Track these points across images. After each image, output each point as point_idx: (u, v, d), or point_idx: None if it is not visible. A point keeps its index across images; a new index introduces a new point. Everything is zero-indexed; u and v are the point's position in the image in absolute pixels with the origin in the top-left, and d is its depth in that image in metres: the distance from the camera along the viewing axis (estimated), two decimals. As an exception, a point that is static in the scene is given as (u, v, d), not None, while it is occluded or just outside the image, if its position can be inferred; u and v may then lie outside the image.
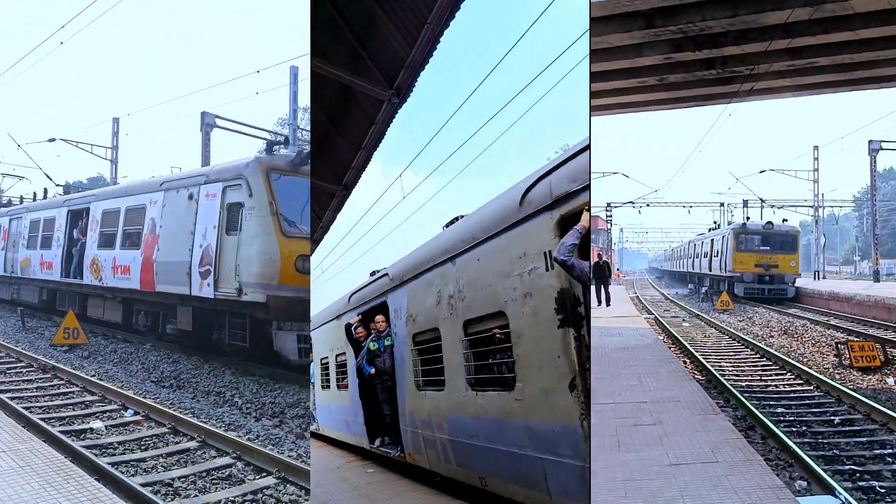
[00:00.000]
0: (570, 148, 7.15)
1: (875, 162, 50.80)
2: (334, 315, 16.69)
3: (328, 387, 17.34)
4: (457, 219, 9.86)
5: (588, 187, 6.23)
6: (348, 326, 14.01)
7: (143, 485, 10.11)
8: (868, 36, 21.04)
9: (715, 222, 76.34)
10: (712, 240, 58.87)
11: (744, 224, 52.60)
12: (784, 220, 53.86)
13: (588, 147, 6.35)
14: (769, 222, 51.81)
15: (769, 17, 18.81)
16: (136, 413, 14.97)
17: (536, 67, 9.74)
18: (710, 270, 58.09)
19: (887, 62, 24.05)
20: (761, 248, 50.32)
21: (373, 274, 14.28)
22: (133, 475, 10.82)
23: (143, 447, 12.78)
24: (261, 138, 43.27)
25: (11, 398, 15.45)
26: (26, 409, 14.54)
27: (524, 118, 12.07)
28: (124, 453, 12.29)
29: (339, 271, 18.05)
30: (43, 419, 13.66)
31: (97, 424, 13.92)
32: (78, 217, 31.29)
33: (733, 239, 50.60)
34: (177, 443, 13.08)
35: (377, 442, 13.98)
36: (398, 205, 18.77)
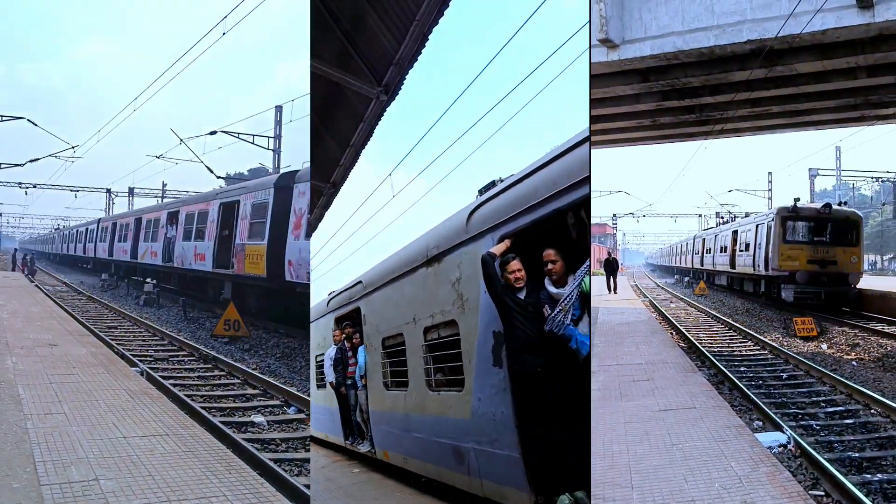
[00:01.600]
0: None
1: (813, 184, 50.26)
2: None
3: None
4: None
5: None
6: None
7: (308, 486, 7.93)
8: (809, 91, 21.12)
9: (720, 215, 54.30)
10: (735, 231, 37.25)
11: (794, 206, 29.40)
12: (842, 203, 31.76)
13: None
14: (826, 204, 29.48)
15: (735, 75, 18.86)
16: (299, 411, 11.65)
17: (532, 63, 8.67)
18: (734, 268, 37.09)
19: (823, 110, 24.18)
20: (816, 238, 29.16)
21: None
22: (297, 475, 8.54)
23: (307, 447, 10.02)
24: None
25: (174, 385, 12.75)
26: (188, 396, 11.89)
27: (519, 115, 10.38)
28: (287, 451, 9.63)
29: (329, 268, 15.88)
30: (204, 408, 11.04)
31: (259, 419, 11.02)
32: None
33: (779, 226, 28.95)
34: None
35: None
36: (388, 203, 15.54)
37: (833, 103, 22.80)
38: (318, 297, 13.67)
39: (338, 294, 12.01)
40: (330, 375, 11.46)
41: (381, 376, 9.35)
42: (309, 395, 12.53)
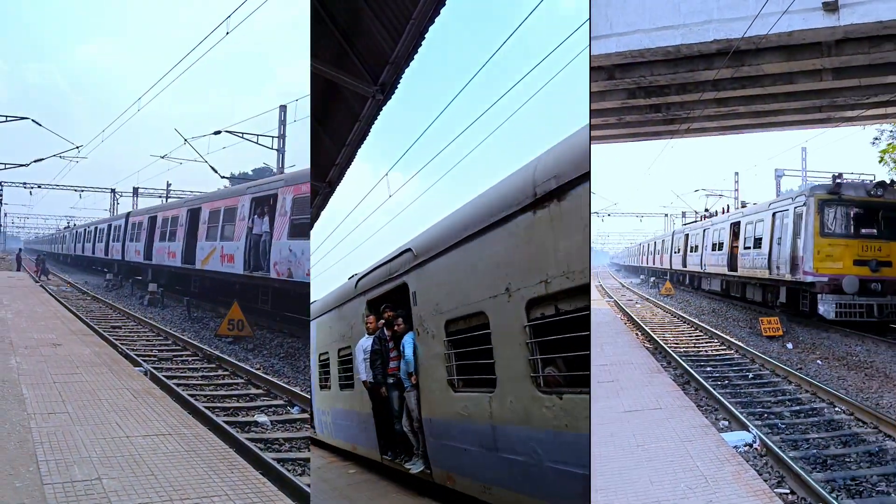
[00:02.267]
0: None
1: (780, 184, 50.68)
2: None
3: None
4: None
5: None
6: None
7: (310, 486, 7.90)
8: (775, 91, 21.26)
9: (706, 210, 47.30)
10: (736, 223, 29.79)
11: (836, 184, 21.80)
12: (893, 182, 22.68)
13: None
14: (880, 183, 21.88)
15: (701, 74, 18.91)
16: (303, 411, 11.62)
17: (530, 62, 8.27)
18: (735, 270, 29.31)
19: (790, 111, 24.34)
20: (864, 230, 21.43)
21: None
22: (300, 474, 8.48)
23: (310, 448, 10.03)
24: None
25: (177, 385, 12.70)
26: (191, 396, 11.86)
27: (516, 114, 9.97)
28: (290, 451, 9.55)
29: (325, 269, 15.17)
30: (207, 408, 10.97)
31: (262, 418, 10.93)
32: None
33: (815, 213, 21.27)
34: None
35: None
36: (384, 203, 14.13)
37: (799, 104, 22.99)
38: (315, 296, 13.17)
39: (370, 272, 9.78)
40: (365, 373, 9.19)
41: (443, 373, 7.08)
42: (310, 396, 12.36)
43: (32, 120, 37.02)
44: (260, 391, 13.02)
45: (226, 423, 10.07)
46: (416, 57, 8.85)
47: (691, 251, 38.88)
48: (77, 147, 39.69)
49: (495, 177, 6.24)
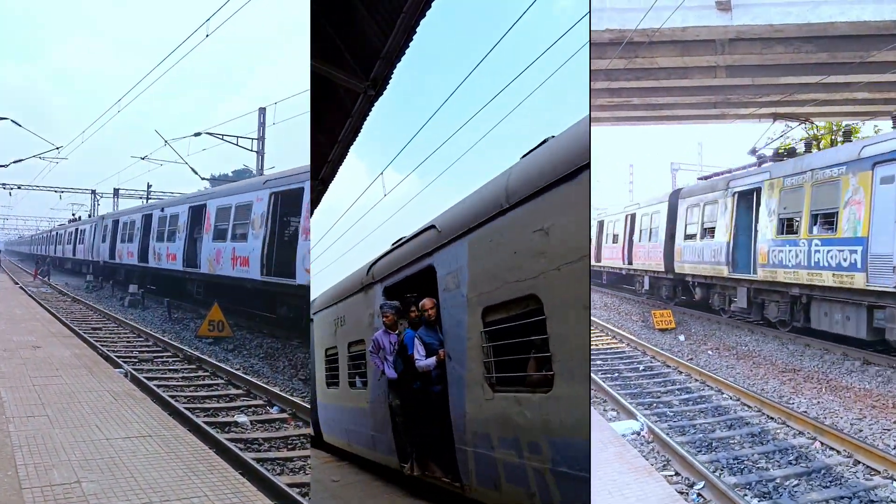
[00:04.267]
0: None
1: (675, 178, 51.99)
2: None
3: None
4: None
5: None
6: None
7: (290, 485, 7.73)
8: (669, 85, 21.52)
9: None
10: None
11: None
12: None
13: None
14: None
15: (594, 63, 18.92)
16: (282, 410, 11.60)
17: (529, 57, 8.15)
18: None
19: (683, 105, 24.78)
20: None
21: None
22: (279, 473, 8.51)
23: (290, 446, 9.85)
24: None
25: (158, 386, 12.68)
26: (172, 397, 11.77)
27: (511, 110, 9.25)
28: (269, 450, 9.58)
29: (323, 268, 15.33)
30: (188, 409, 10.98)
31: (242, 419, 10.95)
32: None
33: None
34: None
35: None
36: (379, 202, 12.90)
37: (693, 99, 23.48)
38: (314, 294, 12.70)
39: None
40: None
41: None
42: (291, 395, 12.30)
43: (12, 120, 36.37)
44: (240, 391, 13.04)
45: (206, 423, 10.12)
46: (407, 51, 8.60)
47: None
48: (57, 148, 39.68)
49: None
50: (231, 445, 8.94)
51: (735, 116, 26.90)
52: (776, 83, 21.04)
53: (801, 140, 36.58)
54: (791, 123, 22.39)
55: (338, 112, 10.20)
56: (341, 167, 11.64)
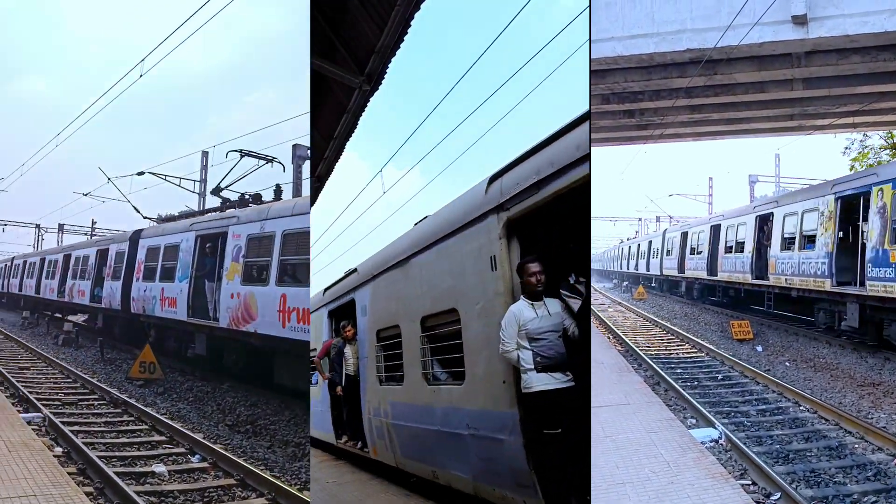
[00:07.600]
0: None
1: (753, 190, 51.37)
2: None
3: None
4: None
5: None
6: None
7: None
8: (747, 99, 21.87)
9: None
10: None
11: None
12: None
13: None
14: None
15: (675, 81, 19.49)
16: (203, 459, 10.82)
17: (528, 53, 8.26)
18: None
19: (761, 119, 25.06)
20: None
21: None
22: None
23: (206, 499, 9.01)
24: None
25: (76, 432, 11.65)
26: (89, 444, 10.84)
27: (511, 110, 10.03)
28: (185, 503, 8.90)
29: (322, 267, 15.12)
30: (103, 457, 10.14)
31: (160, 468, 10.19)
32: None
33: None
34: (244, 498, 9.16)
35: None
36: (378, 200, 14.39)
37: (770, 112, 23.69)
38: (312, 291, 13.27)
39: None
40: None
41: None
42: (212, 443, 11.70)
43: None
44: (163, 438, 12.18)
45: (120, 473, 9.45)
46: (402, 46, 8.62)
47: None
48: (-4, 179, 37.79)
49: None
50: (139, 500, 8.31)
51: (812, 128, 26.96)
52: (853, 93, 21.17)
53: (880, 149, 36.54)
54: (869, 133, 22.30)
55: (333, 108, 10.21)
56: (337, 164, 11.53)
